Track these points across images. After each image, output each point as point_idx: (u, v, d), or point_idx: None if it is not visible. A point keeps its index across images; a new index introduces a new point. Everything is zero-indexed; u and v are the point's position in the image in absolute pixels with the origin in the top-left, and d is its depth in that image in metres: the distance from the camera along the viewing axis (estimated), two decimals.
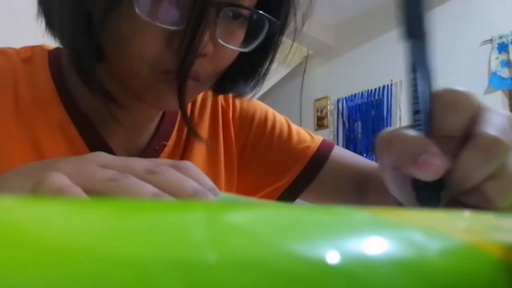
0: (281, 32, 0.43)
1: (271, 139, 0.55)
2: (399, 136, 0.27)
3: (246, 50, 0.40)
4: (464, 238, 0.13)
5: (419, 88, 0.27)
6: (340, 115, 3.17)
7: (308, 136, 0.57)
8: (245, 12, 0.39)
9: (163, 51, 0.36)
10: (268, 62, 0.44)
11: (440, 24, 2.72)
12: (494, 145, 0.25)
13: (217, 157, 0.53)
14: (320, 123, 3.35)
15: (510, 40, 2.48)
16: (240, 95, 0.48)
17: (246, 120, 0.56)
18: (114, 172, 0.23)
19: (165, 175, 0.24)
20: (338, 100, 3.21)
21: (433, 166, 0.25)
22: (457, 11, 2.69)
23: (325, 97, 3.34)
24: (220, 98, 0.55)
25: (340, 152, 0.57)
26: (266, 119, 0.56)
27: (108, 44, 0.38)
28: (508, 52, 2.48)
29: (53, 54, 0.46)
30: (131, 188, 0.22)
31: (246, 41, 0.41)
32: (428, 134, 0.27)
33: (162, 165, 0.25)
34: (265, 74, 0.45)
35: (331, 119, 3.26)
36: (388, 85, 2.88)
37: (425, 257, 0.11)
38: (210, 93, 0.53)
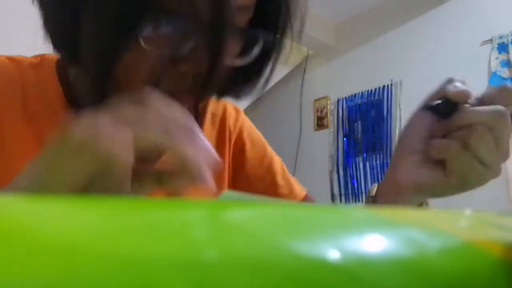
0: (278, 47, 0.44)
1: (265, 173, 0.58)
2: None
3: (240, 64, 0.41)
4: (464, 237, 0.13)
5: None
6: (340, 115, 3.17)
7: (297, 185, 0.60)
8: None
9: (167, 73, 0.39)
10: (265, 73, 0.46)
11: (440, 24, 2.72)
12: (497, 111, 0.39)
13: (222, 167, 0.56)
14: (320, 123, 3.34)
15: (510, 40, 2.48)
16: (232, 97, 0.49)
17: (245, 146, 0.58)
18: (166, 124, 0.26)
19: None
20: (338, 100, 3.21)
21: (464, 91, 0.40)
22: (457, 11, 2.69)
23: (325, 97, 3.34)
24: (229, 120, 0.57)
25: None
26: (264, 153, 0.59)
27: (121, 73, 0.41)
28: (508, 52, 2.48)
29: (60, 61, 0.49)
30: (183, 145, 0.26)
31: (243, 53, 0.42)
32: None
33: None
34: (264, 84, 0.47)
35: (331, 119, 3.26)
36: (388, 85, 2.87)
37: (425, 255, 0.11)
38: (220, 111, 0.57)
